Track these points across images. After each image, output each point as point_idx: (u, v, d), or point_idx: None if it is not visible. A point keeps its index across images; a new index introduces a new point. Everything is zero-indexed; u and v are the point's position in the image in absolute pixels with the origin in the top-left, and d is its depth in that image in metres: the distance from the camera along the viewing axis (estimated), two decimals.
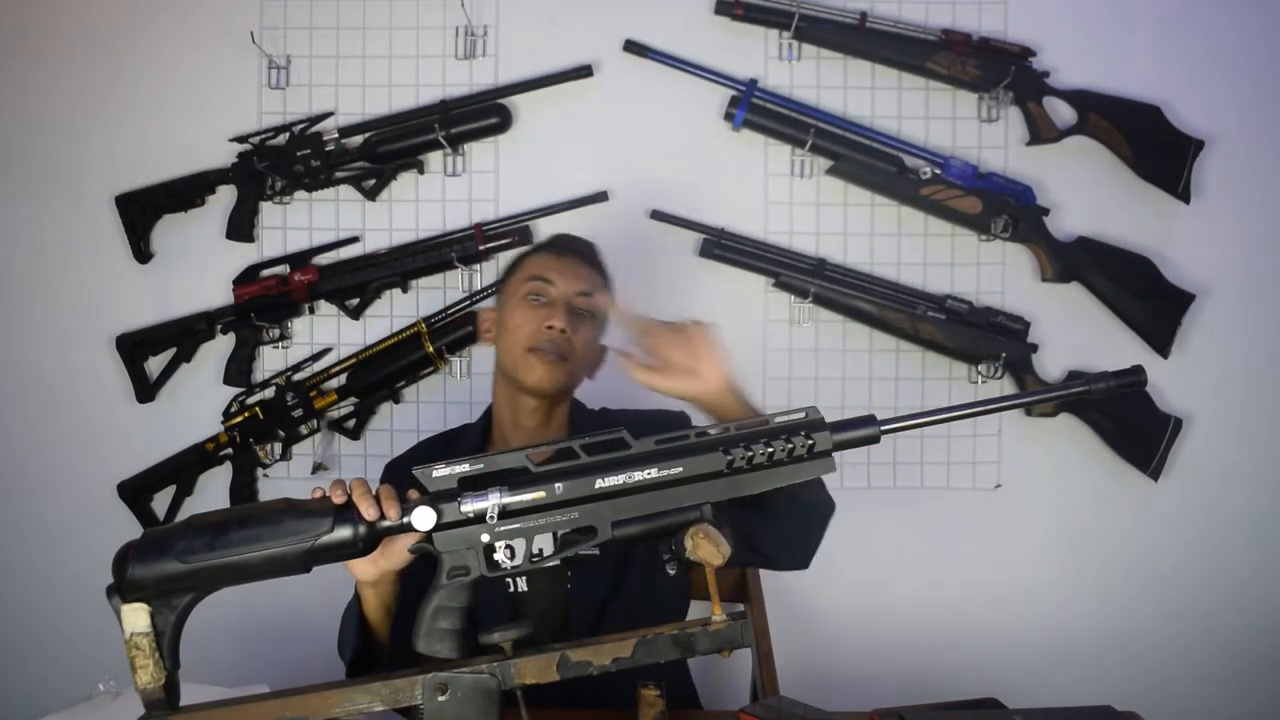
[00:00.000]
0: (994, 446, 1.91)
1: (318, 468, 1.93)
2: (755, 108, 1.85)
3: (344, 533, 0.94)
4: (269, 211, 1.93)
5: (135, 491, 1.92)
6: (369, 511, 0.95)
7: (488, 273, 1.91)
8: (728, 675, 1.78)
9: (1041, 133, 1.84)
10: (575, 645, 0.94)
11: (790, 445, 0.94)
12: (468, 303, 1.87)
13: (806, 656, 1.87)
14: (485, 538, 0.95)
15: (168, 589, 0.91)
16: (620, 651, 0.93)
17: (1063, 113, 1.86)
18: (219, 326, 1.92)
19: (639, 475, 0.93)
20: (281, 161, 1.88)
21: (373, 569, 1.10)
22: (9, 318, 1.98)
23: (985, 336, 1.84)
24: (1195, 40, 1.89)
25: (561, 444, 0.99)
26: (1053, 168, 1.88)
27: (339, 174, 1.89)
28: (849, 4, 1.87)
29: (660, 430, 0.96)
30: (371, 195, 1.90)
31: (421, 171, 1.91)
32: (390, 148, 1.87)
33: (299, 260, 1.90)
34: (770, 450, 0.93)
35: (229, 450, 1.92)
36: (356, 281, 1.88)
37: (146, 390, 1.93)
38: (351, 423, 1.91)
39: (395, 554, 1.08)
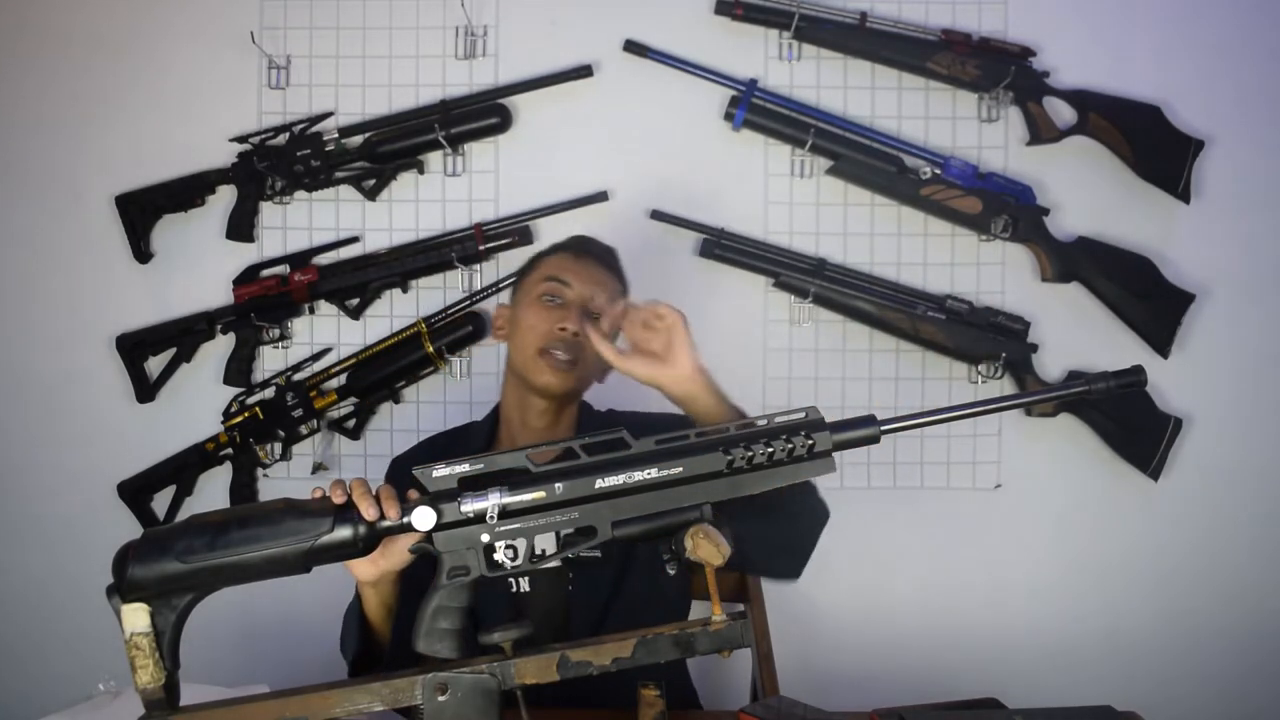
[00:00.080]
0: (994, 446, 1.91)
1: (318, 468, 1.93)
2: (755, 108, 1.85)
3: (344, 533, 0.94)
4: (269, 211, 1.93)
5: (135, 491, 1.92)
6: (369, 511, 0.95)
7: (488, 273, 1.91)
8: (728, 675, 1.78)
9: (1041, 133, 1.84)
10: (575, 645, 0.94)
11: (790, 445, 0.93)
12: (468, 303, 1.87)
13: (806, 656, 1.87)
14: (485, 538, 0.94)
15: (168, 589, 0.91)
16: (620, 651, 0.93)
17: (1063, 113, 1.86)
18: (219, 326, 1.92)
19: (639, 475, 0.93)
20: (281, 161, 1.88)
21: (373, 569, 1.10)
22: (9, 318, 1.98)
23: (985, 336, 1.84)
24: (1195, 40, 1.89)
25: (561, 444, 0.99)
26: (1053, 168, 1.88)
27: (339, 174, 1.89)
28: (849, 4, 1.87)
29: (666, 433, 0.96)
30: (371, 195, 1.90)
31: (421, 171, 1.91)
32: (390, 148, 1.87)
33: (299, 260, 1.90)
34: (770, 450, 0.93)
35: (229, 450, 1.92)
36: (356, 281, 1.88)
37: (146, 390, 1.93)
38: (351, 423, 1.91)
39: (395, 554, 1.08)
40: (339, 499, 0.96)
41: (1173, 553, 1.93)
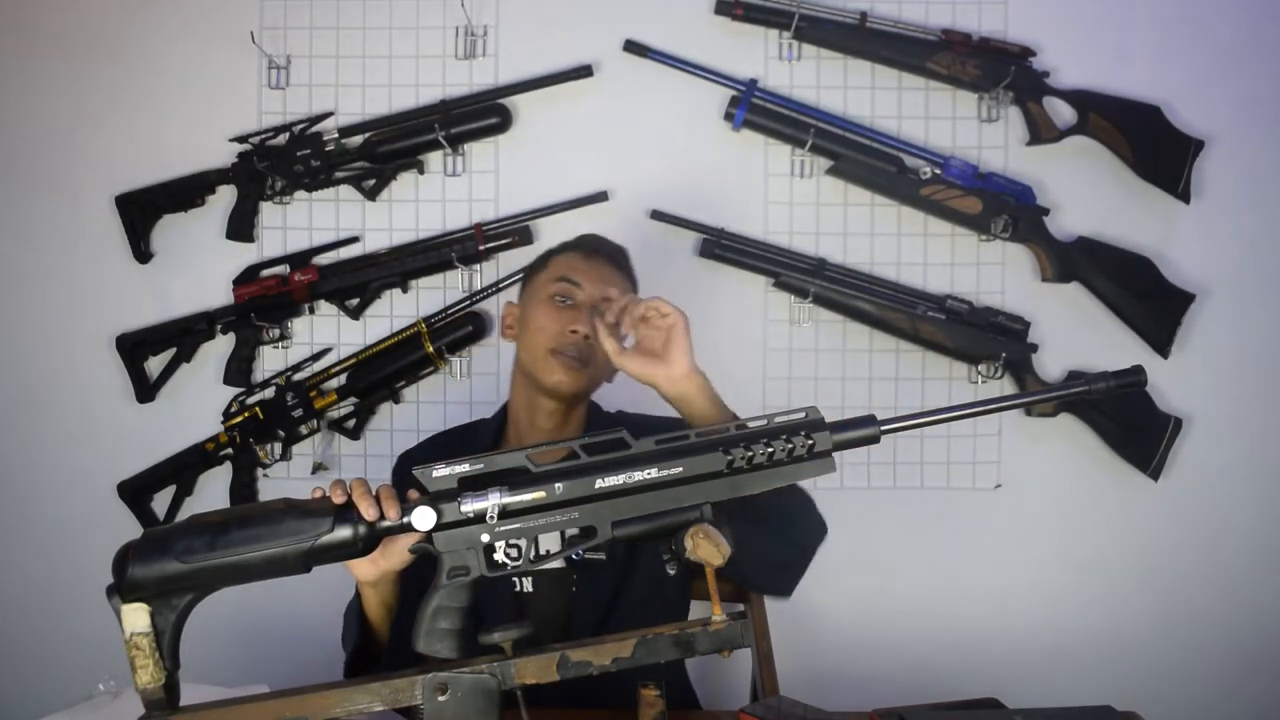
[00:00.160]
0: (994, 446, 1.91)
1: (318, 468, 1.92)
2: (755, 108, 1.85)
3: (344, 533, 0.94)
4: (269, 211, 1.93)
5: (135, 491, 1.92)
6: (369, 511, 0.95)
7: (488, 273, 1.91)
8: (728, 675, 1.78)
9: (1041, 133, 1.84)
10: (575, 645, 0.94)
11: (790, 445, 0.93)
12: (468, 303, 1.87)
13: (806, 656, 1.87)
14: (485, 538, 0.95)
15: (168, 589, 0.91)
16: (620, 651, 0.93)
17: (1063, 113, 1.86)
18: (219, 326, 1.92)
19: (639, 475, 0.93)
20: (281, 161, 1.88)
21: (373, 569, 1.10)
22: (9, 318, 1.98)
23: (985, 336, 1.84)
24: (1195, 40, 1.89)
25: (562, 444, 0.99)
26: (1053, 168, 1.88)
27: (339, 174, 1.89)
28: (849, 4, 1.87)
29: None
30: (371, 195, 1.90)
31: (421, 171, 1.90)
32: (390, 148, 1.87)
33: (299, 260, 1.90)
34: (770, 450, 0.93)
35: (229, 450, 1.92)
36: (356, 281, 1.88)
37: (146, 390, 1.93)
38: (351, 423, 1.91)
39: (395, 554, 1.08)
40: (339, 499, 0.96)
41: (1173, 553, 1.93)
